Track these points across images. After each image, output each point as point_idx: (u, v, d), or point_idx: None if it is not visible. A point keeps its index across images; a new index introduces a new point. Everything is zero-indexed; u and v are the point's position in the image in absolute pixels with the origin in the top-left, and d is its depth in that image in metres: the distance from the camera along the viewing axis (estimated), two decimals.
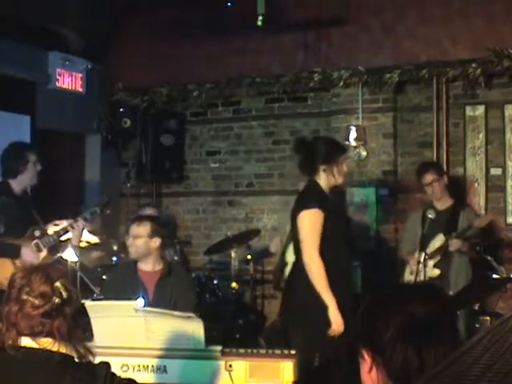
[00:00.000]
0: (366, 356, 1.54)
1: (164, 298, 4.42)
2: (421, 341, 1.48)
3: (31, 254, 4.80)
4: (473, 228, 5.48)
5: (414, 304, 1.53)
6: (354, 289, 4.57)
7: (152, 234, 4.60)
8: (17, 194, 5.06)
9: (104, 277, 5.70)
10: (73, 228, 4.93)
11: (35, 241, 4.88)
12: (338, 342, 4.26)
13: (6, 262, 4.75)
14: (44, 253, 4.86)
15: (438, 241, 5.52)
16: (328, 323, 4.28)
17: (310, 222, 4.42)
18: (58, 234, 4.93)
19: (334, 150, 4.56)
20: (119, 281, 4.63)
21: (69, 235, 5.02)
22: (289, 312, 4.60)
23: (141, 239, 4.58)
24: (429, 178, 5.62)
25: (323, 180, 4.50)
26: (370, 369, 1.53)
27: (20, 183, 5.08)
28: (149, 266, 4.62)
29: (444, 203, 5.68)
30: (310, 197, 4.55)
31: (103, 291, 4.79)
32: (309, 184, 4.60)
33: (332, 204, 4.53)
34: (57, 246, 5.03)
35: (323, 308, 4.29)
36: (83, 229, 5.05)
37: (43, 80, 7.20)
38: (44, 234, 4.92)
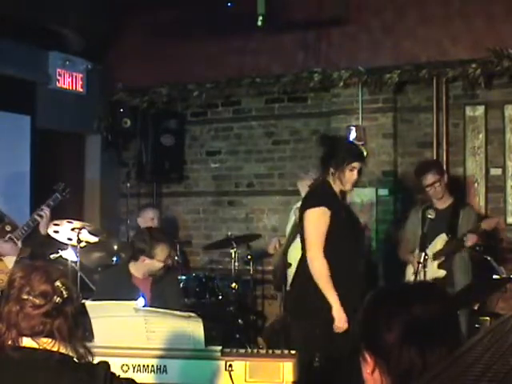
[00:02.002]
0: (369, 358, 1.52)
1: (159, 301, 4.43)
2: (424, 342, 1.47)
3: (10, 247, 4.84)
4: (480, 228, 5.44)
5: (417, 305, 1.51)
6: (363, 288, 4.46)
7: None
8: None
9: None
10: (41, 217, 5.00)
11: (8, 235, 4.92)
12: (339, 341, 4.26)
13: None
14: (19, 245, 4.90)
15: (441, 240, 5.49)
16: (330, 322, 4.28)
17: (314, 220, 4.40)
18: (28, 225, 5.00)
19: (346, 157, 4.44)
20: (113, 284, 4.61)
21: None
22: (292, 310, 4.61)
23: None
24: (430, 178, 5.58)
25: (332, 181, 4.50)
26: (373, 371, 1.51)
27: None
28: (141, 272, 4.66)
29: (444, 202, 5.67)
30: (316, 195, 4.54)
31: (96, 294, 4.71)
32: (319, 182, 4.61)
33: (341, 204, 4.49)
34: (33, 239, 5.07)
35: (327, 307, 4.30)
36: (50, 216, 5.13)
37: (43, 80, 7.21)
38: (15, 227, 4.98)
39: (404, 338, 1.47)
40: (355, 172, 4.45)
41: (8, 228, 4.95)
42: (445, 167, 6.41)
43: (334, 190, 4.48)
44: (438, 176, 5.59)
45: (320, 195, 4.52)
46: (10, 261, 4.74)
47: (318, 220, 4.40)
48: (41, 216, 5.00)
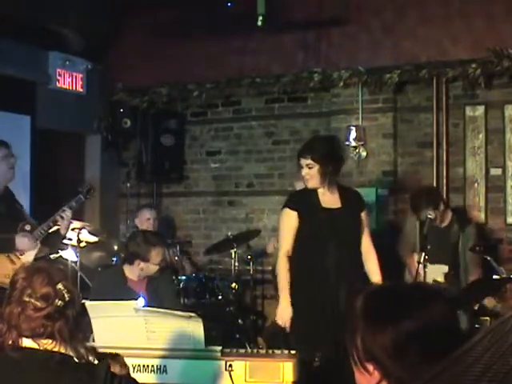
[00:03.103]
0: (372, 369, 1.41)
1: (155, 300, 4.42)
2: (431, 348, 1.38)
3: (26, 241, 4.81)
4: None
5: (420, 310, 1.42)
6: (343, 289, 4.35)
7: None
8: None
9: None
10: (62, 218, 4.94)
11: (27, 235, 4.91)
12: (337, 341, 4.26)
13: (2, 258, 4.76)
14: (38, 245, 4.88)
15: (441, 274, 5.42)
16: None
17: (281, 220, 4.52)
18: (48, 225, 4.94)
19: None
20: (108, 286, 4.61)
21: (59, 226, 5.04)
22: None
23: None
24: (428, 215, 5.36)
25: None
26: (379, 382, 1.41)
27: None
28: (136, 274, 4.67)
29: (442, 222, 5.60)
30: (290, 196, 4.66)
31: (92, 296, 4.63)
32: None
33: (316, 205, 4.43)
34: (52, 239, 5.06)
35: (320, 306, 4.31)
36: (71, 218, 5.06)
37: (43, 80, 7.20)
38: (34, 227, 4.94)
39: (410, 345, 1.38)
40: (304, 170, 4.42)
41: (27, 227, 4.93)
42: (445, 167, 6.42)
43: (312, 191, 4.44)
44: (434, 214, 5.39)
45: (292, 196, 4.62)
46: (27, 260, 4.76)
47: (282, 220, 4.50)
48: (62, 217, 4.94)
